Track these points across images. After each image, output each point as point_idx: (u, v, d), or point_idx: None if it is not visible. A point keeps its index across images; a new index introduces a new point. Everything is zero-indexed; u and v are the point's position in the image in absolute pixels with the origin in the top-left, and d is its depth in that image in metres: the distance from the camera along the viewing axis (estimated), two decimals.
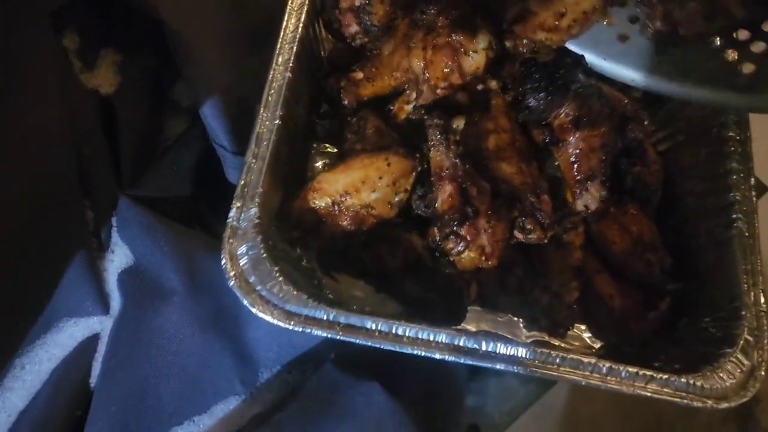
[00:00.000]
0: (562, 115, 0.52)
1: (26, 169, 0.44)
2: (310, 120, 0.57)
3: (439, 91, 0.53)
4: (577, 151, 0.52)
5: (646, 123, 0.56)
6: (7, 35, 0.44)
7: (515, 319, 0.53)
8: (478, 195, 0.46)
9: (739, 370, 0.47)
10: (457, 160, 0.47)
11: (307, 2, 0.53)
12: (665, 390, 0.45)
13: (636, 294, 0.54)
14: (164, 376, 0.46)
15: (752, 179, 0.53)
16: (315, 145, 0.59)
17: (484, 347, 0.44)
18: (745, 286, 0.49)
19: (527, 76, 0.53)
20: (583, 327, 0.55)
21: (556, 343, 0.53)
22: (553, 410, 1.41)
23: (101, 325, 0.48)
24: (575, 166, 0.53)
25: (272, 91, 0.49)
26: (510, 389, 0.54)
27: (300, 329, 0.42)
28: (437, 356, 0.43)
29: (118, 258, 0.48)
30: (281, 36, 0.51)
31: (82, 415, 0.46)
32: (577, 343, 0.55)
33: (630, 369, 0.45)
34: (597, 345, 0.55)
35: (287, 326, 0.42)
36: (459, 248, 0.46)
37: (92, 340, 0.47)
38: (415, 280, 0.50)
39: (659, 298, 0.54)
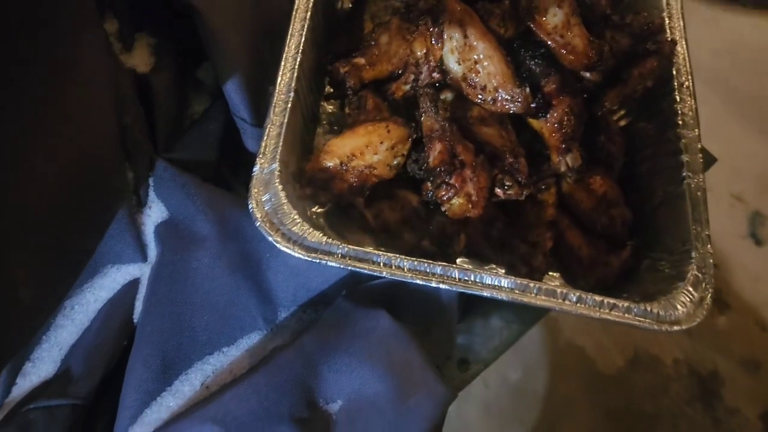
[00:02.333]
0: (551, 82, 0.61)
1: (82, 133, 0.51)
2: (315, 100, 0.66)
3: (435, 74, 0.62)
4: (563, 115, 0.61)
5: (607, 103, 0.65)
6: (64, 17, 0.52)
7: (497, 268, 0.61)
8: (463, 151, 0.54)
9: (689, 300, 0.55)
10: (445, 123, 0.55)
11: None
12: (626, 315, 0.53)
13: (601, 244, 0.62)
14: (198, 311, 0.53)
15: (699, 144, 0.62)
16: (320, 126, 0.68)
17: (472, 278, 0.51)
18: (695, 231, 0.58)
19: (525, 46, 0.61)
20: (557, 275, 0.63)
21: None
22: (533, 392, 1.49)
23: (141, 270, 0.54)
24: (560, 129, 0.61)
25: (286, 70, 0.58)
26: (494, 329, 0.62)
27: (317, 261, 0.49)
28: (433, 284, 0.50)
29: (155, 213, 0.55)
30: (291, 25, 0.60)
31: (128, 345, 0.52)
32: None
33: (596, 297, 0.52)
34: None
35: (307, 258, 0.49)
36: (449, 194, 0.54)
37: (133, 284, 0.54)
38: (411, 231, 0.58)
39: (622, 248, 0.62)
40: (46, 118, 0.50)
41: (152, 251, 0.55)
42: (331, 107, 0.68)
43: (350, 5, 0.71)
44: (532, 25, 0.59)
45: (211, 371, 0.52)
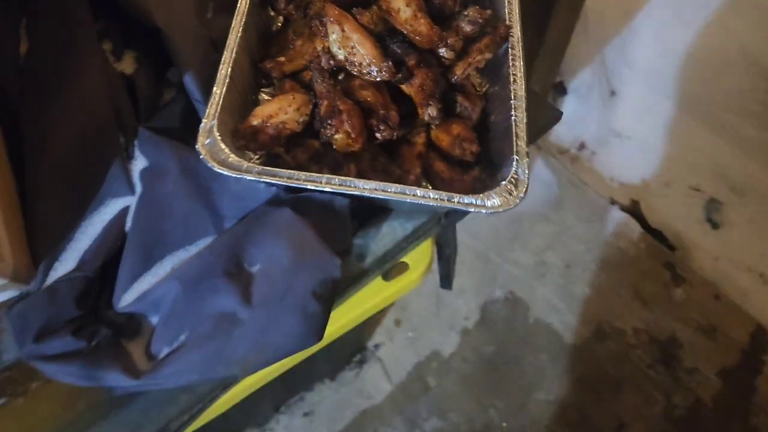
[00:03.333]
0: (411, 58, 0.86)
1: (89, 111, 0.79)
2: (253, 89, 0.93)
3: (331, 62, 0.88)
4: (422, 80, 0.86)
5: (457, 71, 0.90)
6: (76, 43, 0.81)
7: None
8: (342, 104, 0.80)
9: (507, 192, 0.79)
10: (329, 86, 0.82)
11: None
12: (457, 201, 0.77)
13: (458, 168, 0.87)
14: (166, 221, 0.78)
15: (523, 92, 0.86)
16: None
17: (354, 185, 0.76)
18: (517, 149, 0.82)
19: (390, 35, 0.87)
20: None
21: None
22: (507, 365, 1.68)
23: (131, 200, 0.79)
24: (421, 90, 0.86)
25: (223, 66, 0.85)
26: (383, 233, 0.86)
27: (240, 176, 0.75)
28: (319, 188, 0.75)
29: (139, 162, 0.81)
30: (229, 37, 0.87)
31: (121, 245, 0.78)
32: None
33: (436, 191, 0.77)
34: None
35: (232, 175, 0.75)
36: (331, 132, 0.79)
37: (126, 209, 0.79)
38: (316, 164, 0.83)
39: (472, 169, 0.87)
40: (69, 99, 0.79)
41: (138, 187, 0.81)
42: (266, 96, 0.95)
43: (280, 25, 0.99)
44: (390, 20, 0.85)
45: (177, 261, 0.77)
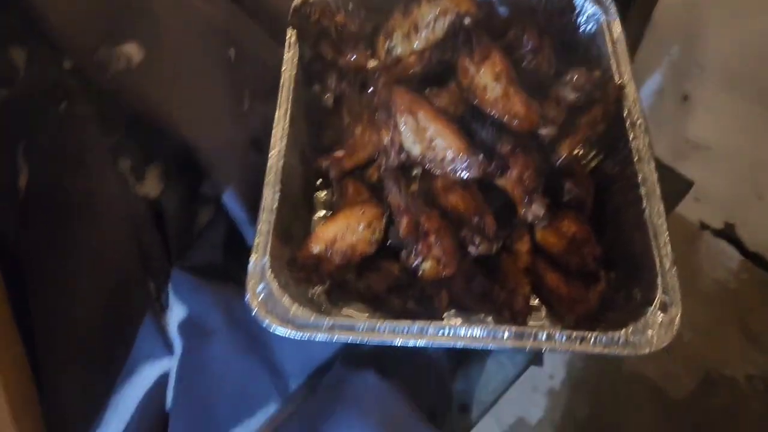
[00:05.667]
0: (504, 145, 0.68)
1: (108, 259, 0.63)
2: (308, 193, 0.75)
3: (402, 156, 0.70)
4: (521, 171, 0.67)
5: (562, 153, 0.71)
6: (86, 169, 0.64)
7: (483, 317, 0.67)
8: (426, 220, 0.62)
9: (658, 322, 0.59)
10: (408, 198, 0.63)
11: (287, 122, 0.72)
12: (595, 346, 0.58)
13: (578, 282, 0.67)
14: (218, 392, 0.61)
15: (655, 176, 0.66)
16: (318, 212, 0.77)
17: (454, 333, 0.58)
18: (658, 258, 0.62)
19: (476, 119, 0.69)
20: (542, 316, 0.69)
21: None
22: (605, 429, 1.48)
23: (169, 364, 0.64)
24: (520, 183, 0.67)
25: (270, 175, 0.67)
26: (490, 372, 0.67)
27: (307, 336, 0.57)
28: (410, 343, 0.57)
29: (175, 313, 0.65)
30: (273, 134, 0.69)
31: (164, 429, 0.61)
32: None
33: (562, 332, 0.58)
34: None
35: (298, 335, 0.57)
36: (418, 261, 0.61)
37: (164, 377, 0.63)
38: (397, 296, 0.65)
39: (596, 281, 0.67)
40: (79, 253, 0.62)
41: (177, 346, 0.64)
42: (324, 195, 0.77)
43: (332, 102, 0.81)
44: (476, 102, 0.67)
45: None
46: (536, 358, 1.26)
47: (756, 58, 1.96)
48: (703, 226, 1.77)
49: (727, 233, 1.75)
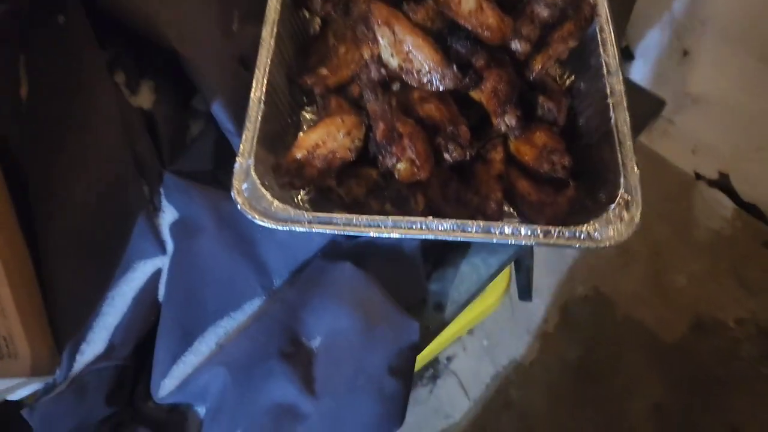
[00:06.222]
0: (479, 59, 0.71)
1: (104, 163, 0.67)
2: (294, 111, 0.79)
3: (382, 71, 0.73)
4: (495, 84, 0.70)
5: (535, 67, 0.74)
6: (83, 80, 0.68)
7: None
8: (401, 125, 0.65)
9: (619, 219, 0.63)
10: (384, 105, 0.67)
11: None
12: (558, 238, 0.61)
13: (548, 188, 0.71)
14: (206, 286, 0.65)
15: (621, 87, 0.69)
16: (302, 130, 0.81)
17: (426, 226, 0.61)
18: (622, 161, 0.65)
19: (451, 33, 0.71)
20: (514, 220, 0.72)
21: None
22: (596, 371, 1.52)
23: (162, 261, 0.68)
24: (494, 95, 0.70)
25: (257, 89, 0.71)
26: (464, 275, 0.71)
27: (288, 229, 0.61)
28: (379, 234, 0.61)
29: (167, 215, 0.69)
30: (259, 52, 0.73)
31: (156, 319, 0.66)
32: None
33: (527, 226, 0.61)
34: None
35: (278, 228, 0.61)
36: (393, 161, 0.65)
37: (157, 273, 0.67)
38: (375, 199, 0.68)
39: (565, 187, 0.70)
40: (80, 147, 0.66)
41: (169, 245, 0.69)
42: (309, 115, 0.80)
43: (318, 28, 0.84)
44: (451, 15, 0.69)
45: (222, 333, 0.65)
46: (525, 293, 1.30)
47: (756, 12, 1.96)
48: (699, 176, 1.79)
49: (722, 183, 1.77)
